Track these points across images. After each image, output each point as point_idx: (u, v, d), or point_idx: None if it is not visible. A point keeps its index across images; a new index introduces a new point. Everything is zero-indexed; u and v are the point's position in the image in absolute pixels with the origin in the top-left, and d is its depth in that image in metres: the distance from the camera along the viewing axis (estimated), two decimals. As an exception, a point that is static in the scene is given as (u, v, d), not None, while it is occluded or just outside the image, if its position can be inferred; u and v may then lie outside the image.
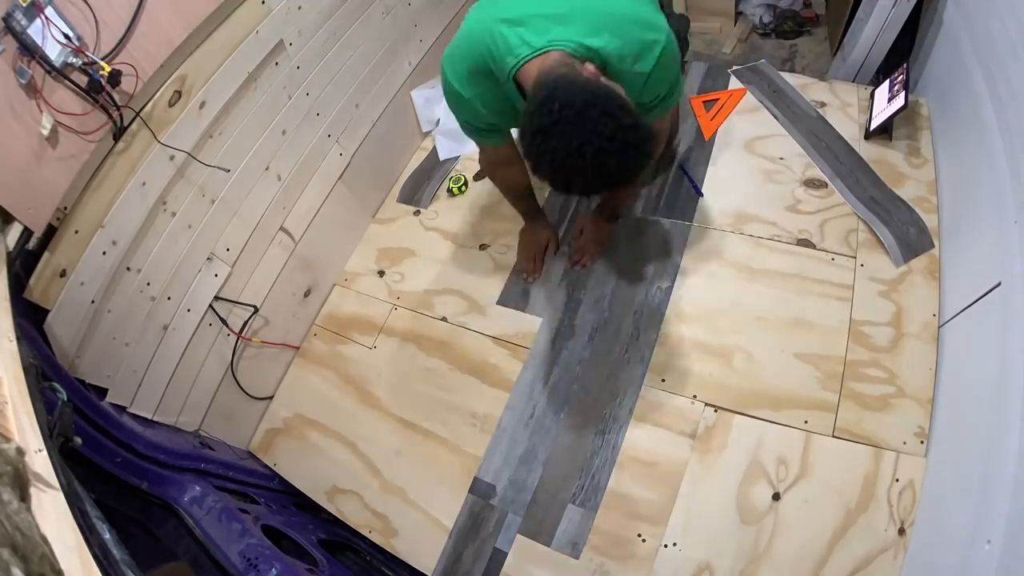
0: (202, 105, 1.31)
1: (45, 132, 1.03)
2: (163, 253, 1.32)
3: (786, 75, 1.90)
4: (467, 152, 2.04)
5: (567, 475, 1.37)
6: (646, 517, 1.27)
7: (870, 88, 1.75)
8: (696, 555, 1.21)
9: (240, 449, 1.64)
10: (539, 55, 0.98)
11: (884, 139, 1.64)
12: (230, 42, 1.35)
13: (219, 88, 1.34)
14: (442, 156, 2.08)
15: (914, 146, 1.61)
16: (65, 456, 0.81)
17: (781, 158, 1.68)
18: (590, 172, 0.87)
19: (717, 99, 1.90)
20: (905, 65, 1.59)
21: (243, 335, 1.56)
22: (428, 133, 2.17)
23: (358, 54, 1.76)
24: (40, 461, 0.69)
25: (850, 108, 1.75)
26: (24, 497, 0.61)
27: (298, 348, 1.78)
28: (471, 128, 1.26)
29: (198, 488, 1.20)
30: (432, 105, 2.13)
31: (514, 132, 1.32)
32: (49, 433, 0.77)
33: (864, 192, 1.55)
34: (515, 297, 1.66)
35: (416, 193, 2.01)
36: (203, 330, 1.46)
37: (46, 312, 1.12)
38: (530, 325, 1.60)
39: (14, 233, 1.04)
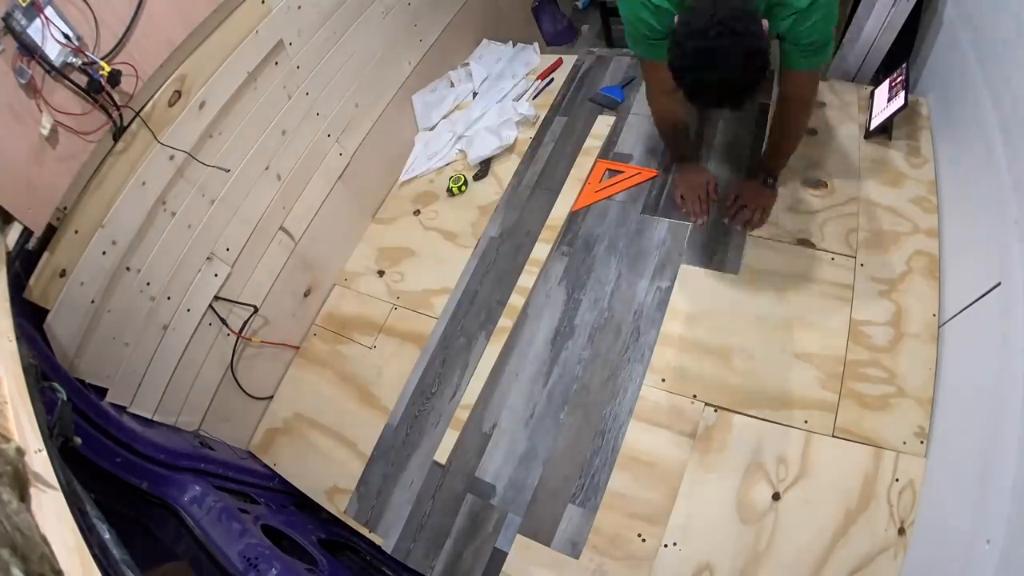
0: (202, 105, 1.31)
1: (45, 132, 1.03)
2: (163, 253, 1.32)
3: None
4: (436, 166, 2.04)
5: (567, 475, 1.37)
6: (646, 517, 1.27)
7: (870, 88, 1.75)
8: (696, 555, 1.21)
9: (240, 449, 1.64)
10: None
11: (884, 139, 1.63)
12: (230, 42, 1.35)
13: (219, 88, 1.34)
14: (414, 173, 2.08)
15: (914, 146, 1.61)
16: (65, 456, 0.81)
17: (781, 158, 1.67)
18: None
19: (623, 171, 1.77)
20: (905, 65, 1.58)
21: (243, 335, 1.56)
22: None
23: (358, 54, 1.76)
24: (40, 461, 0.69)
25: (850, 108, 1.74)
26: (24, 497, 0.61)
27: (298, 348, 1.78)
28: (640, 40, 1.32)
29: (198, 488, 1.20)
30: (430, 111, 2.13)
31: None
32: (49, 433, 0.77)
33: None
34: (515, 297, 1.66)
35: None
36: (203, 330, 1.46)
37: (46, 312, 1.12)
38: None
39: (14, 233, 1.04)
